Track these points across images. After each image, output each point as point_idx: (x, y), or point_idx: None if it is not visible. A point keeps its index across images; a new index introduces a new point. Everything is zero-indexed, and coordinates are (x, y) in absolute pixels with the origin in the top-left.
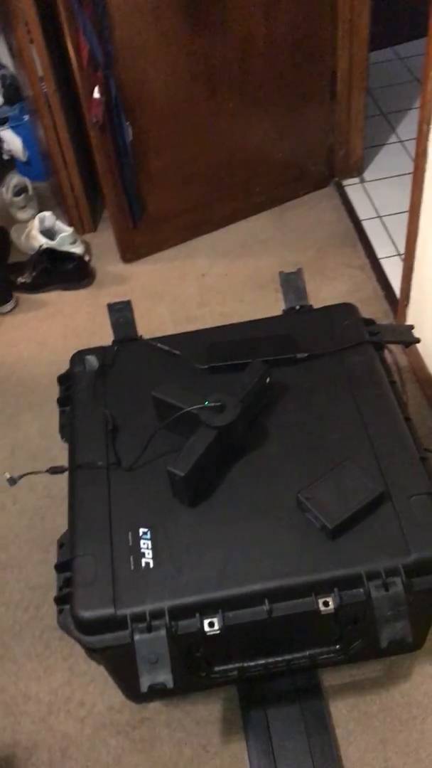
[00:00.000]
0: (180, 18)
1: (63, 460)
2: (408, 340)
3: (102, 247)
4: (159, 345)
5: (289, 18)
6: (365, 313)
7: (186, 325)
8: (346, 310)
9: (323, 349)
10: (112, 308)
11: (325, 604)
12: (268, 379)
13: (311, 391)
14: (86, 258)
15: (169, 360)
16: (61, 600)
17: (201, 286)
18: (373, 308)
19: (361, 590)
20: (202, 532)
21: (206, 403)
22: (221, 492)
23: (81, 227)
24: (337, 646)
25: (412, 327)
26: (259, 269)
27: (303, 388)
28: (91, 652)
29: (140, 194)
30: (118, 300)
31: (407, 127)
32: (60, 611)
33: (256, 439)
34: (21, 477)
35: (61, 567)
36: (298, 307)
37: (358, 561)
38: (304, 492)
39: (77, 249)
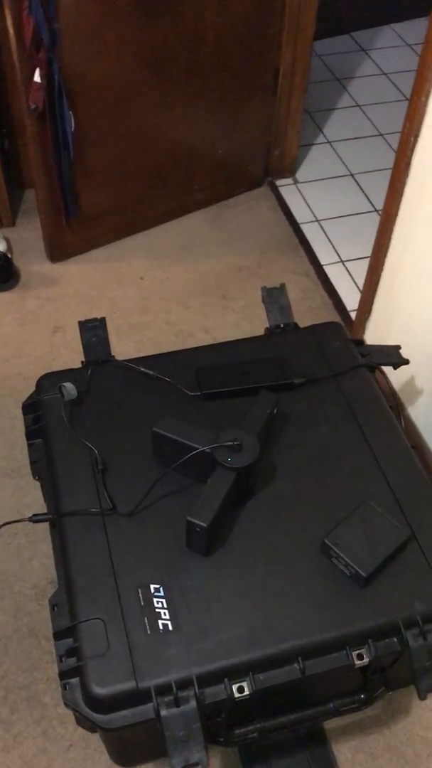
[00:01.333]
0: (131, 1)
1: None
2: (398, 361)
3: (23, 243)
4: (141, 368)
5: (240, 9)
6: (318, 321)
7: (130, 334)
8: (333, 329)
9: (318, 372)
10: (84, 326)
11: (359, 657)
12: (276, 410)
13: (314, 419)
14: (9, 256)
15: (151, 385)
16: (66, 674)
17: (141, 290)
18: (324, 318)
19: (396, 640)
20: (222, 585)
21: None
22: (236, 537)
23: None
24: (362, 696)
25: (398, 347)
26: (202, 273)
27: (304, 417)
28: (107, 731)
29: (75, 188)
30: (44, 299)
31: (334, 128)
32: (64, 686)
33: (265, 476)
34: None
35: (61, 634)
36: (281, 325)
37: (392, 609)
38: (330, 537)
39: None
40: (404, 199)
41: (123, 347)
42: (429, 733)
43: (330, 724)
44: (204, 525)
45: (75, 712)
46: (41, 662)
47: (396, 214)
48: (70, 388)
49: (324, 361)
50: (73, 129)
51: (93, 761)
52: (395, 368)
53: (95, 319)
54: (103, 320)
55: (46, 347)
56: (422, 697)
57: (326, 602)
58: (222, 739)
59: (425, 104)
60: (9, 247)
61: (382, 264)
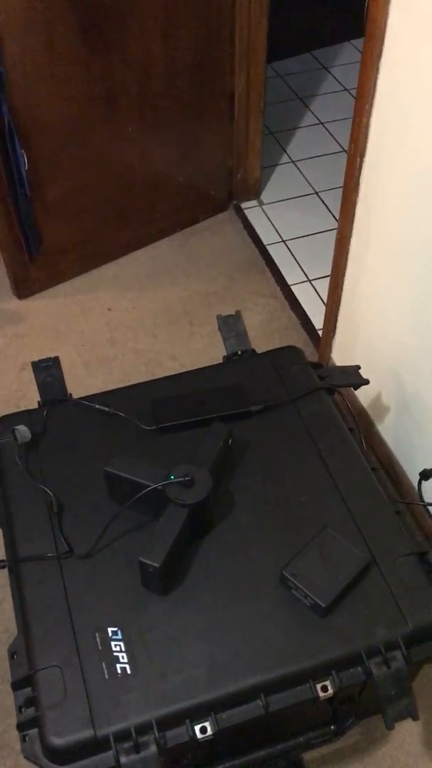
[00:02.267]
0: (76, 37)
1: None
2: (358, 382)
3: None
4: (97, 406)
5: (188, 39)
6: (285, 343)
7: (98, 367)
8: (291, 353)
9: (276, 398)
10: (38, 366)
11: (324, 689)
12: (230, 440)
13: (271, 447)
14: None
15: (108, 421)
16: (25, 725)
17: (108, 322)
18: (292, 338)
19: (360, 669)
20: (180, 624)
21: (172, 477)
22: (193, 574)
23: None
24: (332, 727)
25: (358, 367)
26: (168, 301)
27: (262, 445)
28: None
29: (36, 224)
30: (11, 337)
31: (297, 147)
32: (23, 738)
33: (222, 508)
34: None
35: (19, 684)
36: (239, 352)
37: (354, 638)
38: (288, 568)
39: None
40: (357, 218)
41: (92, 380)
42: (411, 758)
43: (309, 755)
44: (156, 565)
45: (36, 764)
46: (14, 710)
47: (350, 235)
48: (23, 430)
49: (282, 386)
50: (26, 167)
51: None
52: (355, 389)
53: (48, 359)
54: (56, 359)
55: (14, 385)
56: (389, 727)
57: (287, 635)
58: None
59: (367, 125)
60: None
61: (342, 283)
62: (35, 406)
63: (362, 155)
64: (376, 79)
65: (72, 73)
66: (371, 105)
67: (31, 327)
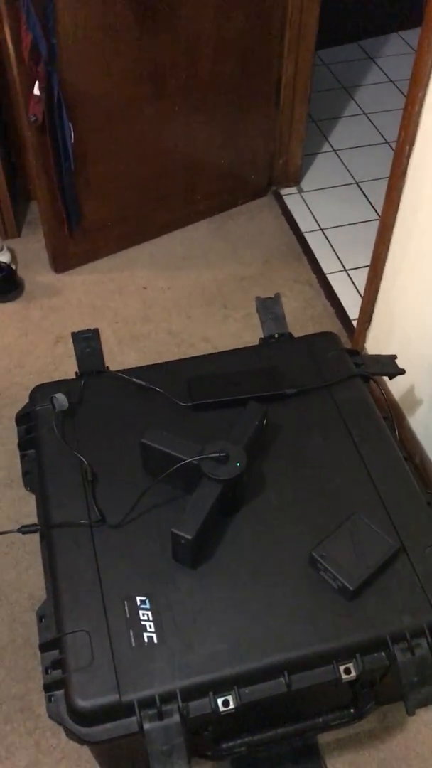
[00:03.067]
0: (129, 14)
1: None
2: (394, 371)
3: (28, 254)
4: (134, 379)
5: (239, 21)
6: (318, 330)
7: (132, 344)
8: (328, 339)
9: (311, 383)
10: (78, 337)
11: (347, 671)
12: (265, 421)
13: (305, 430)
14: (13, 267)
15: (143, 395)
16: (51, 686)
17: (143, 300)
18: (326, 327)
19: (384, 654)
20: (208, 598)
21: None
22: (223, 550)
23: (3, 232)
24: (351, 710)
25: (394, 357)
26: (204, 283)
27: (296, 428)
28: (90, 744)
29: (77, 199)
30: (47, 310)
31: (339, 136)
32: (49, 699)
33: (253, 488)
34: None
35: (46, 646)
36: (276, 335)
37: (380, 623)
38: (317, 549)
39: (3, 257)
40: (401, 207)
41: (124, 357)
42: (425, 749)
43: (324, 739)
44: (189, 537)
45: (60, 724)
46: (36, 673)
47: (393, 224)
48: (61, 399)
49: (317, 371)
50: (72, 140)
51: None
52: (391, 378)
53: (88, 330)
54: (96, 331)
55: (48, 358)
56: (410, 713)
57: (313, 616)
58: (210, 753)
59: (419, 113)
60: (14, 258)
61: (381, 273)
62: (67, 378)
63: (412, 143)
64: (431, 67)
65: (123, 49)
66: (425, 93)
67: (67, 301)
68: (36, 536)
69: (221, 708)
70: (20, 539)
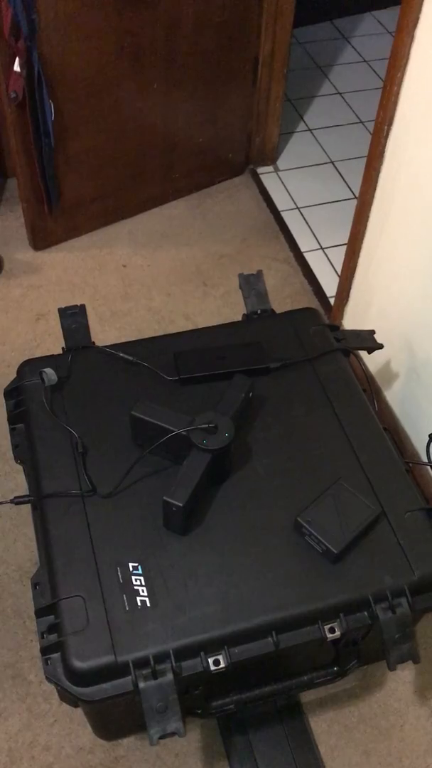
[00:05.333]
0: None
1: None
2: (373, 345)
3: (7, 232)
4: (121, 354)
5: None
6: (297, 307)
7: (112, 322)
8: (310, 315)
9: (293, 357)
10: (64, 313)
11: (331, 630)
12: (251, 393)
13: (288, 403)
14: None
15: (130, 370)
16: (47, 650)
17: (123, 277)
18: (303, 304)
19: (366, 614)
20: (198, 562)
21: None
22: (212, 517)
23: None
24: (335, 668)
25: (373, 332)
26: (183, 260)
27: (280, 400)
28: (88, 704)
29: (57, 176)
30: (27, 287)
31: (314, 115)
32: (46, 662)
33: (240, 458)
34: None
35: (42, 611)
36: (259, 311)
37: (362, 584)
38: (303, 515)
39: None
40: (379, 186)
41: (105, 334)
42: (402, 704)
43: (306, 698)
44: (180, 504)
45: (56, 686)
46: (26, 641)
47: (371, 202)
48: (50, 373)
49: (300, 345)
50: (53, 117)
51: (77, 735)
52: (369, 352)
53: (75, 306)
54: (82, 307)
55: (29, 335)
56: (391, 668)
57: (299, 578)
58: (199, 711)
59: (397, 93)
60: None
61: (359, 250)
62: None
63: (390, 123)
64: (410, 47)
65: (103, 25)
66: (403, 73)
67: (47, 278)
68: (22, 509)
69: (212, 667)
70: (7, 513)
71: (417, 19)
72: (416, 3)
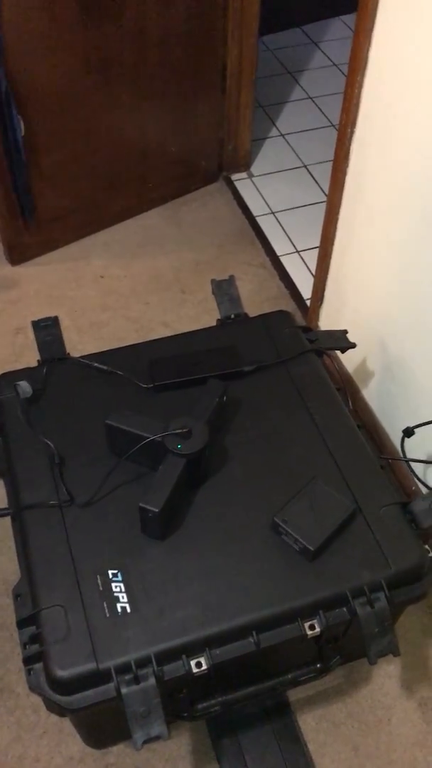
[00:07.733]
0: (74, 4)
1: None
2: (345, 345)
3: None
4: (95, 364)
5: (183, 9)
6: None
7: (91, 332)
8: (282, 317)
9: (267, 359)
10: (38, 325)
11: (311, 627)
12: (224, 397)
13: (263, 405)
14: None
15: (106, 380)
16: (30, 659)
17: (100, 288)
18: (281, 307)
19: (345, 609)
20: (176, 566)
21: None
22: (190, 520)
23: None
24: (318, 665)
25: (346, 332)
26: (160, 269)
27: (254, 403)
28: (71, 712)
29: (30, 191)
30: (5, 302)
31: (286, 120)
32: (28, 672)
33: (217, 461)
34: None
35: (24, 622)
36: (232, 316)
37: (340, 580)
38: (279, 515)
39: None
40: (346, 188)
41: (84, 345)
42: (389, 698)
43: (294, 697)
44: (155, 510)
45: (41, 695)
46: (13, 654)
47: (340, 204)
48: (24, 386)
49: (273, 348)
50: (23, 133)
51: (66, 745)
52: (343, 352)
53: (48, 318)
54: (55, 318)
55: (8, 349)
56: (372, 662)
57: (278, 577)
58: (185, 714)
59: (359, 95)
60: None
61: (330, 252)
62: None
63: (353, 125)
64: (368, 51)
65: (69, 40)
66: (363, 76)
67: (24, 293)
68: (5, 524)
69: (194, 669)
70: None
71: (373, 23)
72: (371, 7)
